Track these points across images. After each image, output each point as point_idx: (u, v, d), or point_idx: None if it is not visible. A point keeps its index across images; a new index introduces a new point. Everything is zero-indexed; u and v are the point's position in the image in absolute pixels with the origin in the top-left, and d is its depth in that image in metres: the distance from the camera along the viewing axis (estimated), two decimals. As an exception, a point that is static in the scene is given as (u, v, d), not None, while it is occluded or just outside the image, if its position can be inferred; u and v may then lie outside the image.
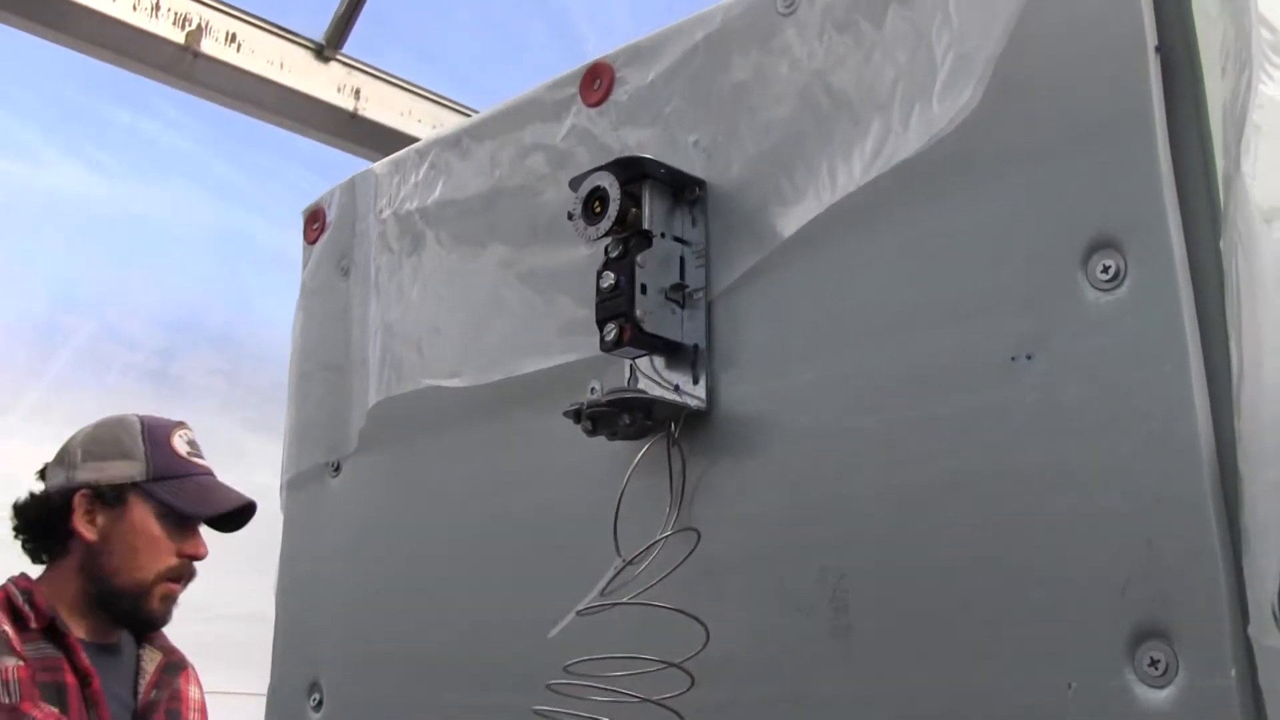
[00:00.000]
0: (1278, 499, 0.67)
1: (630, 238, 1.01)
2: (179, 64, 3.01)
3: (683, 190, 1.05)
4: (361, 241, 1.34)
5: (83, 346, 3.76)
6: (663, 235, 1.03)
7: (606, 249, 1.02)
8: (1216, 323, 0.78)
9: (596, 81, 1.15)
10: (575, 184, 1.04)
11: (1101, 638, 0.77)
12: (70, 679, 1.80)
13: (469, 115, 3.39)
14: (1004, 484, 0.83)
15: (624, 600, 0.95)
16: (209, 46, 3.00)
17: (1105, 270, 0.81)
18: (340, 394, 1.32)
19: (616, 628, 0.97)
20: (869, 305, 0.93)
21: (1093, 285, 0.82)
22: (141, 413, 2.07)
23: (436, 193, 1.26)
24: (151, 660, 1.96)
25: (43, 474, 1.99)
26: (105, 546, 1.89)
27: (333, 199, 1.39)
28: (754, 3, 1.04)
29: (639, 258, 1.00)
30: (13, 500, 1.99)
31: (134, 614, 1.92)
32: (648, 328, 0.99)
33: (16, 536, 1.97)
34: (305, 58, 3.18)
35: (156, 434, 1.98)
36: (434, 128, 3.32)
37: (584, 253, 1.09)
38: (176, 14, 2.95)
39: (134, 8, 2.87)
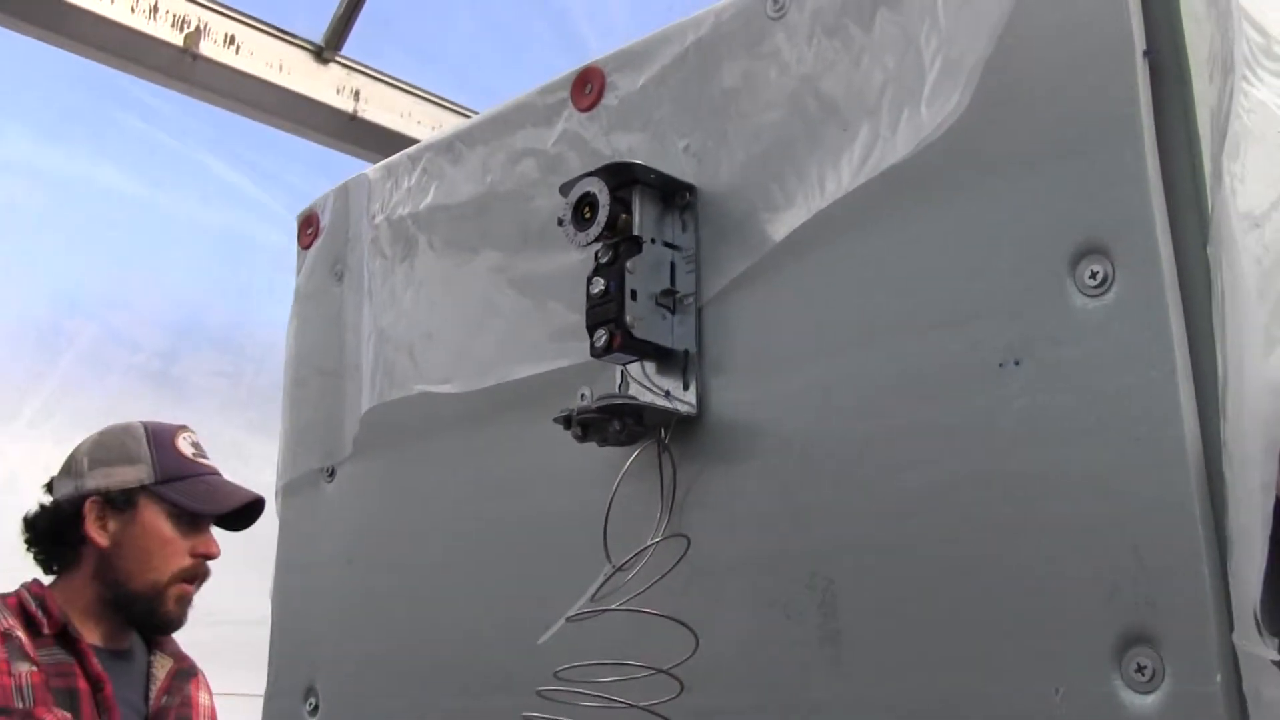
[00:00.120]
0: (1261, 504, 0.67)
1: (620, 243, 1.01)
2: (178, 66, 3.01)
3: (673, 195, 1.05)
4: (355, 246, 1.34)
5: (85, 350, 3.76)
6: (653, 241, 1.03)
7: (597, 254, 1.02)
8: (1204, 328, 0.78)
9: (588, 86, 1.15)
10: (565, 189, 1.05)
11: (1088, 644, 0.77)
12: (83, 684, 1.82)
13: (469, 117, 3.40)
14: (992, 490, 0.83)
15: (614, 607, 0.95)
16: (208, 48, 3.00)
17: (1093, 276, 0.81)
18: (334, 399, 1.32)
19: (607, 633, 0.97)
20: (858, 311, 0.93)
21: (1081, 291, 0.81)
22: (144, 418, 2.09)
23: (429, 198, 1.26)
24: (162, 666, 1.98)
25: (50, 486, 2.01)
26: (118, 551, 1.91)
27: (326, 204, 1.40)
28: (744, 7, 1.04)
29: (629, 263, 1.00)
30: (23, 513, 2.01)
31: (149, 616, 1.93)
32: (638, 333, 0.99)
33: (29, 549, 1.99)
34: (304, 59, 3.18)
35: (161, 437, 2.01)
36: (434, 129, 3.32)
37: (576, 258, 1.09)
38: (175, 16, 2.95)
39: (132, 10, 2.87)
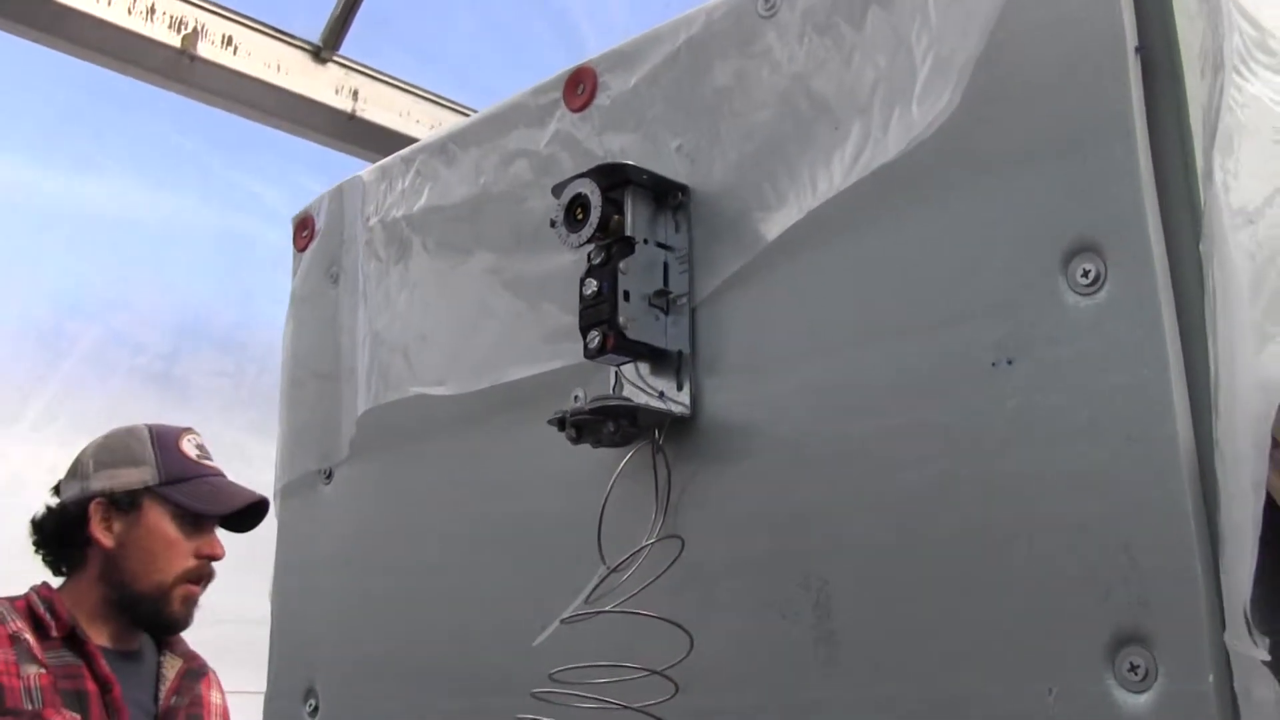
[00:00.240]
0: (1252, 503, 0.66)
1: (613, 244, 1.01)
2: (176, 68, 3.01)
3: (666, 196, 1.04)
4: (350, 249, 1.34)
5: (87, 351, 3.77)
6: (646, 241, 1.02)
7: (589, 256, 1.02)
8: (1197, 326, 0.77)
9: (580, 86, 1.14)
10: (557, 191, 1.04)
11: (1082, 643, 0.77)
12: (91, 686, 1.83)
13: (467, 115, 3.40)
14: (985, 489, 0.83)
15: (608, 609, 0.94)
16: (205, 50, 3.00)
17: (1085, 274, 0.81)
18: (331, 402, 1.32)
19: (602, 634, 0.97)
20: (851, 311, 0.92)
21: (1073, 289, 0.81)
22: (148, 419, 2.10)
23: (423, 200, 1.26)
24: (172, 666, 1.99)
25: (57, 489, 2.03)
26: (123, 552, 1.93)
27: (321, 206, 1.39)
28: (735, 5, 1.03)
29: (622, 264, 1.00)
30: (29, 515, 2.03)
31: (155, 617, 1.95)
32: (631, 335, 0.99)
33: (37, 551, 2.01)
34: (302, 60, 3.18)
35: (165, 439, 2.02)
36: (433, 128, 3.32)
37: (569, 259, 1.09)
38: (172, 17, 2.95)
39: (129, 11, 2.87)
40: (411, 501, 1.22)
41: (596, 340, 0.99)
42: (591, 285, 1.00)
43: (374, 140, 3.26)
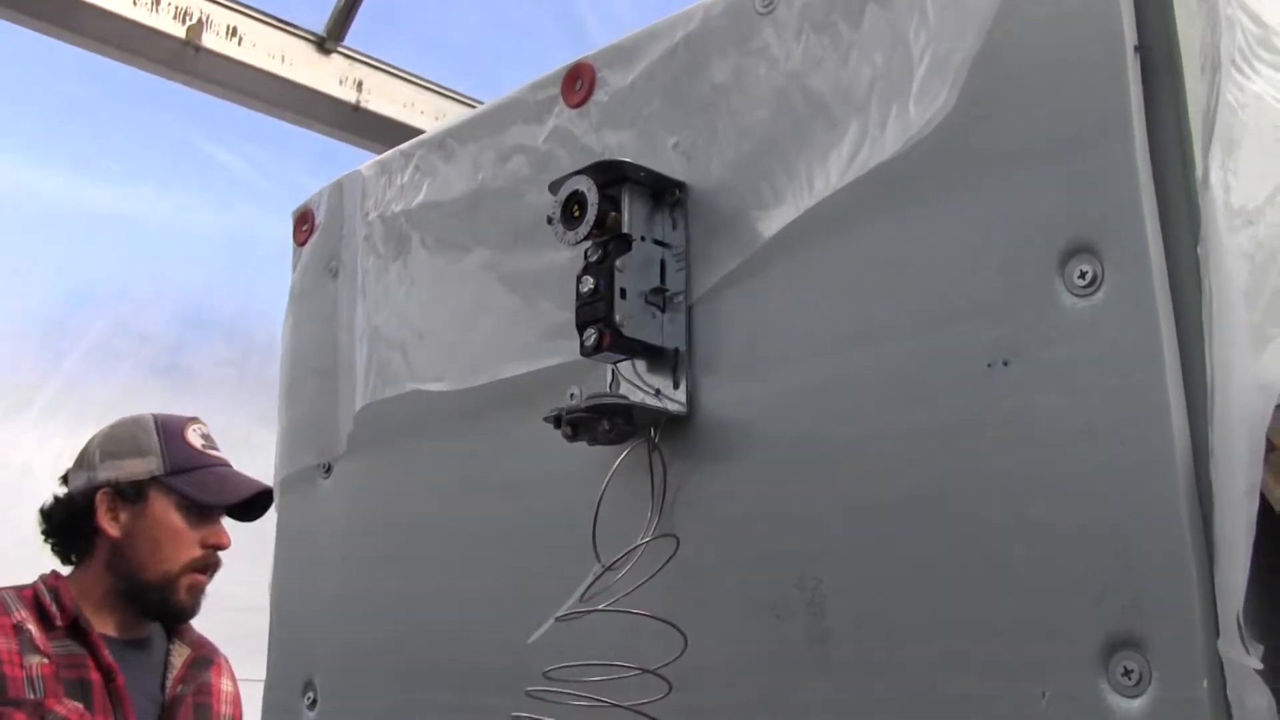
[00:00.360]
0: (1246, 511, 0.66)
1: (609, 241, 1.01)
2: (181, 58, 3.01)
3: (663, 193, 1.04)
4: (349, 244, 1.34)
5: (94, 341, 3.78)
6: (642, 239, 1.02)
7: (586, 253, 1.01)
8: (1194, 329, 0.77)
9: (578, 82, 1.14)
10: (554, 188, 1.04)
11: (1075, 647, 0.76)
12: (94, 675, 1.84)
13: (472, 106, 3.39)
14: (980, 491, 0.82)
15: (601, 608, 0.94)
16: (210, 40, 3.00)
17: (1082, 276, 0.80)
18: (329, 396, 1.32)
19: (597, 632, 0.97)
20: (847, 310, 0.92)
21: (1070, 291, 0.81)
22: (155, 408, 2.11)
23: (421, 195, 1.26)
24: (180, 655, 2.00)
25: (65, 479, 2.04)
26: (129, 542, 1.94)
27: (321, 201, 1.39)
28: (733, 2, 1.03)
29: (618, 262, 1.00)
30: (39, 504, 2.04)
31: (162, 606, 1.96)
32: (627, 332, 0.99)
33: (45, 540, 2.02)
34: (307, 50, 3.17)
35: (171, 429, 2.03)
36: (437, 119, 3.32)
37: (567, 255, 1.08)
38: (177, 8, 2.95)
39: (134, 2, 2.87)
40: (409, 497, 1.22)
41: (593, 338, 0.99)
42: (588, 282, 1.00)
43: (378, 131, 3.26)
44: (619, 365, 1.03)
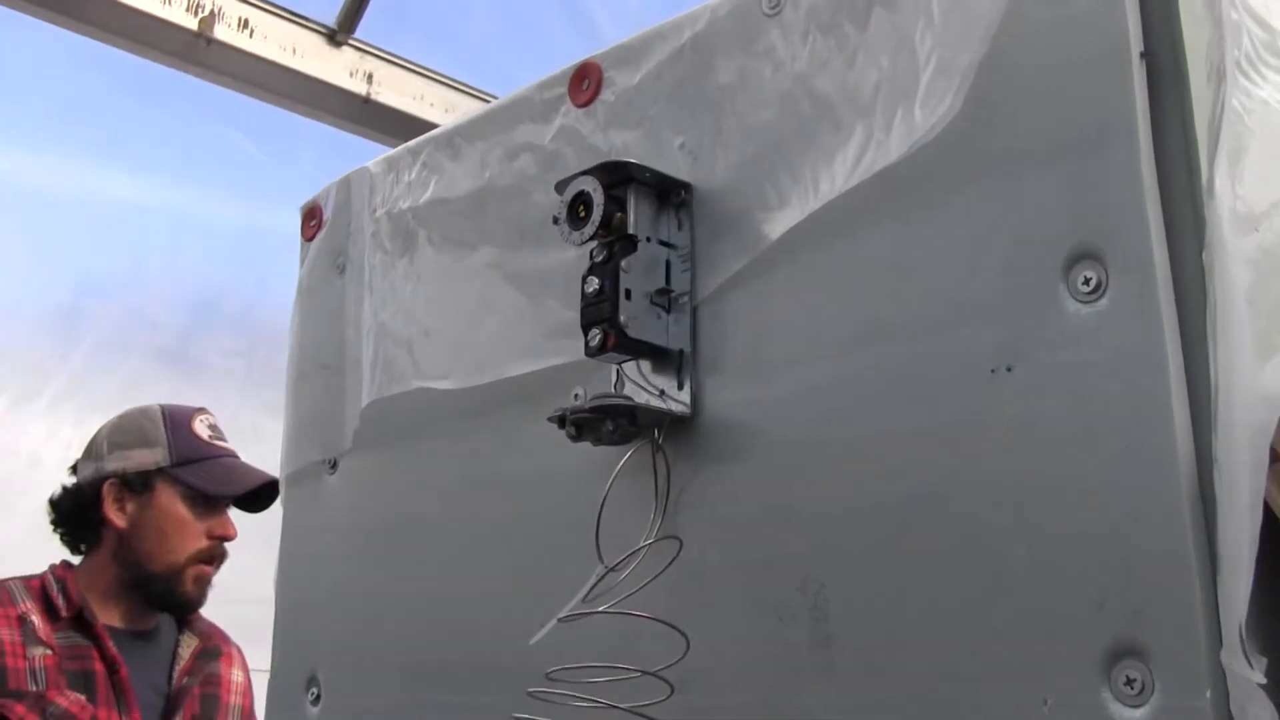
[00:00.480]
0: (1249, 523, 0.66)
1: (615, 242, 1.01)
2: (193, 50, 3.02)
3: (668, 193, 1.04)
4: (356, 240, 1.34)
5: (104, 331, 3.80)
6: (648, 239, 1.02)
7: (591, 253, 1.01)
8: (1198, 336, 0.76)
9: (585, 82, 1.14)
10: (560, 188, 1.04)
11: (1078, 655, 0.76)
12: (98, 666, 1.85)
13: (482, 99, 3.39)
14: (983, 496, 0.82)
15: (603, 609, 0.95)
16: (222, 32, 3.01)
17: (1086, 282, 0.80)
18: (336, 392, 1.32)
19: (600, 633, 0.97)
20: (851, 313, 0.92)
21: (1074, 297, 0.80)
22: (163, 398, 2.12)
23: (429, 192, 1.26)
24: (188, 646, 2.00)
25: (74, 469, 2.05)
26: (136, 532, 1.95)
27: (329, 196, 1.39)
28: (739, 3, 1.03)
29: (624, 262, 1.00)
30: (48, 494, 2.05)
31: (168, 597, 1.97)
32: (632, 333, 0.99)
33: (55, 530, 2.03)
34: (318, 43, 3.18)
35: (178, 420, 2.04)
36: (447, 112, 3.32)
37: (573, 254, 1.08)
38: (189, 1, 2.95)
39: (147, -6, 2.88)
40: (413, 494, 1.23)
41: (597, 338, 0.99)
42: (593, 283, 1.00)
43: (388, 124, 3.26)
44: (624, 366, 1.03)
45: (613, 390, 1.04)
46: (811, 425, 0.93)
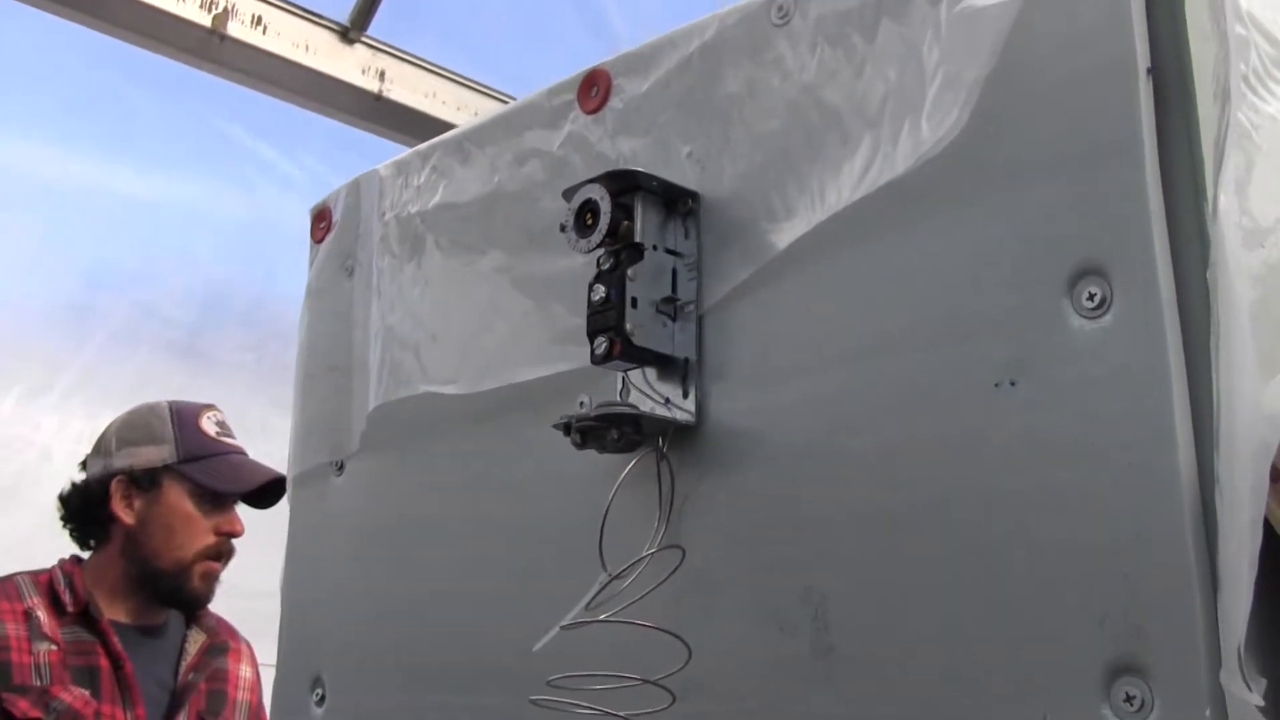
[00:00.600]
0: (1249, 544, 0.66)
1: (622, 250, 1.01)
2: (206, 47, 3.03)
3: (676, 202, 1.04)
4: (365, 243, 1.35)
5: (115, 325, 3.81)
6: (655, 248, 1.02)
7: (598, 261, 1.02)
8: (1203, 354, 0.76)
9: (594, 88, 1.14)
10: (568, 195, 1.04)
11: (1078, 670, 0.76)
12: (103, 662, 1.86)
13: (493, 97, 3.40)
14: (985, 510, 0.83)
15: (603, 618, 0.95)
16: (235, 29, 3.02)
17: (1091, 298, 0.80)
18: (343, 395, 1.33)
19: (602, 640, 0.97)
20: (856, 325, 0.92)
21: (1078, 312, 0.80)
22: (173, 393, 2.13)
23: (437, 197, 1.26)
24: (195, 642, 2.02)
25: (84, 465, 2.06)
26: (144, 529, 1.96)
27: (339, 199, 1.40)
28: (748, 12, 1.03)
29: (630, 271, 1.00)
30: (58, 490, 2.07)
31: (176, 593, 1.98)
32: (638, 341, 0.99)
33: (64, 526, 2.04)
34: (330, 40, 3.18)
35: (185, 417, 2.05)
36: (459, 110, 3.32)
37: (580, 260, 1.09)
38: (203, -3, 2.97)
39: (161, -10, 2.89)
40: (419, 497, 1.23)
41: (603, 346, 0.99)
42: (599, 291, 1.00)
43: (400, 121, 3.26)
44: (629, 374, 1.04)
45: (618, 398, 1.04)
46: (815, 435, 0.93)
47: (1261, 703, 0.66)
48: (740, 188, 1.01)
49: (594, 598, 0.97)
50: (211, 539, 1.99)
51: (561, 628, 0.97)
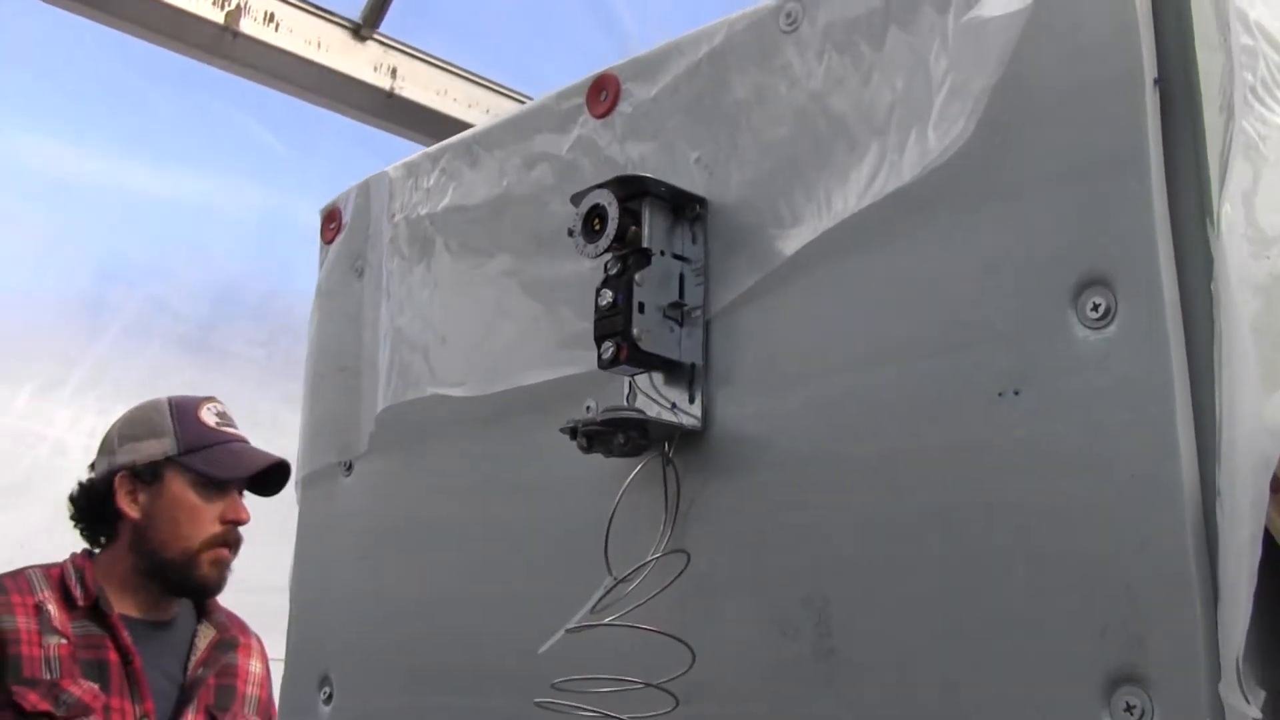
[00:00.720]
0: (1248, 557, 0.66)
1: (629, 255, 1.02)
2: (219, 43, 3.04)
3: (683, 207, 1.05)
4: (375, 244, 1.35)
5: (128, 320, 3.83)
6: (662, 253, 1.03)
7: (606, 266, 1.02)
8: (1206, 365, 0.77)
9: (603, 93, 1.14)
10: (576, 200, 1.05)
11: (1078, 679, 0.77)
12: (113, 656, 1.88)
13: (505, 95, 3.40)
14: (987, 519, 0.83)
15: (607, 621, 0.96)
16: (248, 26, 3.02)
17: (1095, 308, 0.80)
18: (352, 395, 1.34)
19: (607, 644, 0.98)
20: (861, 332, 0.92)
21: (1082, 322, 0.81)
22: (184, 386, 2.15)
23: (446, 199, 1.27)
24: (205, 637, 2.03)
25: (92, 466, 2.08)
26: (150, 522, 1.98)
27: (348, 200, 1.41)
28: (757, 19, 1.03)
29: (637, 276, 1.01)
30: (69, 487, 2.09)
31: (186, 582, 2.00)
32: (645, 346, 1.00)
33: (74, 524, 2.06)
34: (342, 37, 3.19)
35: (184, 409, 2.07)
36: (470, 107, 3.33)
37: (588, 264, 1.09)
38: (216, -6, 2.98)
39: (174, -13, 2.90)
40: (427, 499, 1.24)
41: (610, 351, 1.00)
42: (607, 296, 1.01)
43: (411, 118, 3.27)
44: (636, 378, 1.04)
45: (625, 402, 1.05)
46: (820, 441, 0.94)
47: (1259, 715, 0.66)
48: (748, 194, 1.02)
49: (599, 601, 0.98)
50: (217, 527, 2.01)
51: (567, 631, 0.97)
